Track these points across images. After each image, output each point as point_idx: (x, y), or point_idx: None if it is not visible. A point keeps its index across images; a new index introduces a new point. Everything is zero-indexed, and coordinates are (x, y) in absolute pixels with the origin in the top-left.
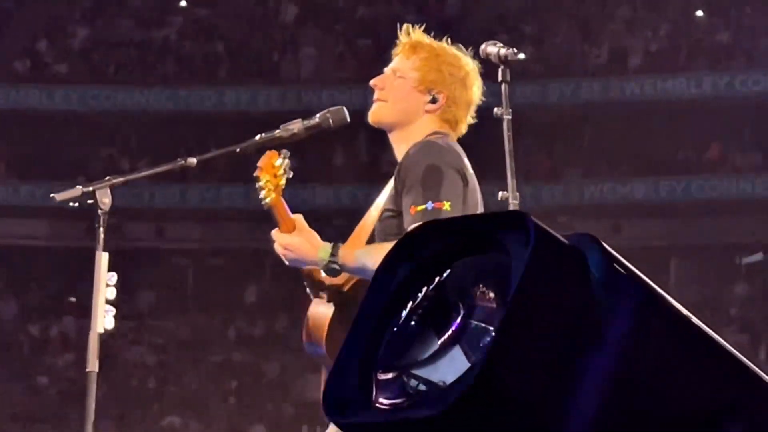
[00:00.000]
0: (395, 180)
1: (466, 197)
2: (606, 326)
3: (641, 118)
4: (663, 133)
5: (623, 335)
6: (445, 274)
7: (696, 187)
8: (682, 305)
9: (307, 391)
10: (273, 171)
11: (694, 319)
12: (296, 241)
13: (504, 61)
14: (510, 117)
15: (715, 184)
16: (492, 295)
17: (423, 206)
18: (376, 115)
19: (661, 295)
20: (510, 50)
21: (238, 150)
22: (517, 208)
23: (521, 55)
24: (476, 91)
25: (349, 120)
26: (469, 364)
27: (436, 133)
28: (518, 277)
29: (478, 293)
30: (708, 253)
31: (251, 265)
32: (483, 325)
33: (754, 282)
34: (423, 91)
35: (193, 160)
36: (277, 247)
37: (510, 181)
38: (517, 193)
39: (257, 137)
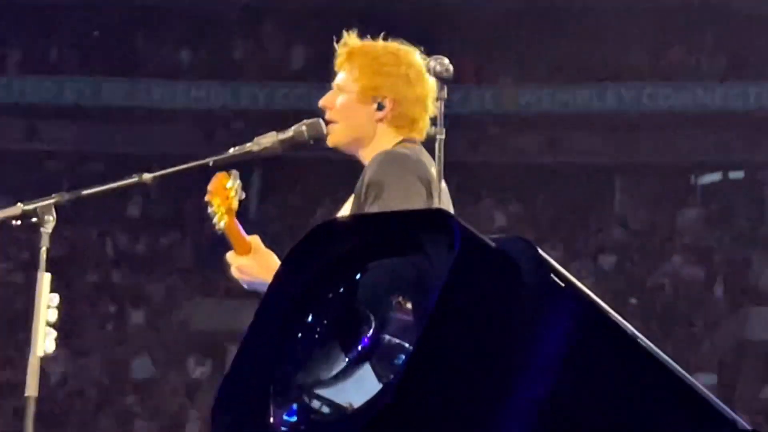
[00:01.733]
0: (357, 192)
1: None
2: (540, 344)
3: (587, 15)
4: (611, 33)
5: (559, 355)
6: (357, 277)
7: (648, 96)
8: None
9: (196, 319)
10: (224, 194)
11: (641, 339)
12: (251, 263)
13: (439, 77)
14: (443, 137)
15: (669, 93)
16: (409, 305)
17: None
18: (332, 139)
19: (604, 310)
20: (444, 67)
21: (210, 164)
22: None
23: (449, 69)
24: (426, 82)
25: (326, 133)
26: (380, 386)
27: (405, 140)
28: (439, 286)
29: (394, 303)
30: (658, 173)
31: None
32: (397, 340)
33: (709, 206)
34: (367, 101)
35: (149, 176)
36: (233, 270)
37: (436, 196)
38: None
39: (231, 150)
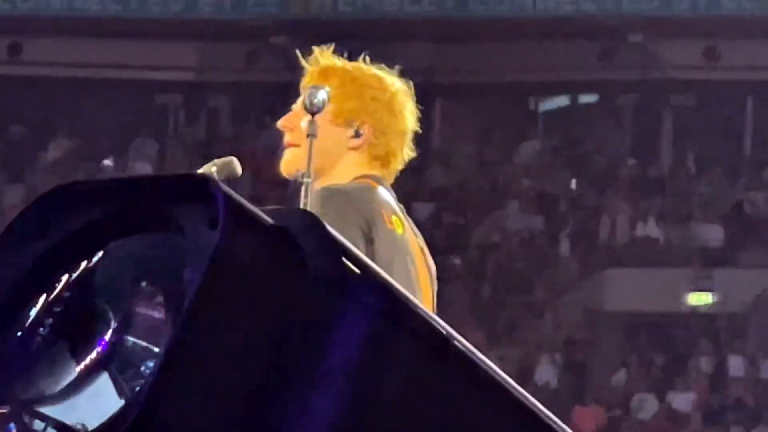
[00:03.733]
0: None
1: (372, 257)
2: (327, 347)
3: None
4: None
5: (350, 362)
6: (94, 260)
7: None
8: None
9: None
10: None
11: (457, 340)
12: None
13: (308, 110)
14: (310, 180)
15: None
16: (159, 298)
17: None
18: (288, 164)
19: (410, 303)
20: (311, 98)
21: None
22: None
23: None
24: (408, 115)
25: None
26: (121, 402)
27: (364, 176)
28: (199, 273)
29: (139, 294)
30: (483, 94)
31: None
32: (144, 343)
33: (553, 136)
34: (342, 125)
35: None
36: None
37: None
38: None
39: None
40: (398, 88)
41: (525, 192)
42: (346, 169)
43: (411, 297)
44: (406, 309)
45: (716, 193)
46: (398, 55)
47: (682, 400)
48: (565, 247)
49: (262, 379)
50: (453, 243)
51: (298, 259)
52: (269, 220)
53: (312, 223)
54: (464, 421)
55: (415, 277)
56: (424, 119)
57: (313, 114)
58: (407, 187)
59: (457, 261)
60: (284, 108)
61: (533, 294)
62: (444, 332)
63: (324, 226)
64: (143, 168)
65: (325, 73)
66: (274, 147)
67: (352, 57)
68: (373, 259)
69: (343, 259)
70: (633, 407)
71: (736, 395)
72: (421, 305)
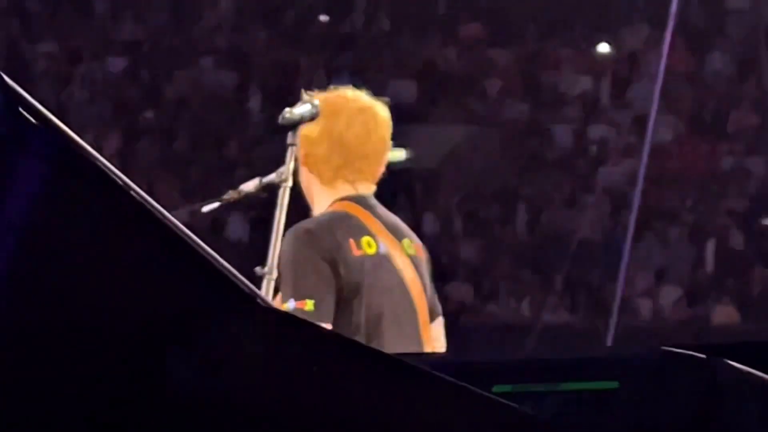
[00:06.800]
0: None
1: (342, 287)
2: (2, 200)
3: None
4: None
5: (26, 214)
6: None
7: None
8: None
9: None
10: None
11: (137, 193)
12: None
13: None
14: (291, 184)
15: None
16: None
17: (286, 305)
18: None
19: (89, 155)
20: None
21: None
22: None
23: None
24: (328, 120)
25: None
26: None
27: (341, 200)
28: None
29: None
30: None
31: None
32: None
33: None
34: (303, 164)
35: None
36: None
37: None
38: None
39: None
40: (321, 100)
41: (218, 47)
42: (320, 202)
43: (87, 147)
44: (83, 160)
45: (409, 49)
46: None
47: None
48: (256, 103)
49: None
50: (146, 98)
51: None
52: None
53: None
54: (150, 279)
55: (396, 281)
56: None
57: (293, 126)
58: (94, 41)
59: (150, 115)
60: None
61: (226, 150)
62: (123, 183)
63: (2, 76)
64: None
65: None
66: None
67: None
68: (344, 286)
69: (21, 109)
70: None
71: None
72: (101, 158)
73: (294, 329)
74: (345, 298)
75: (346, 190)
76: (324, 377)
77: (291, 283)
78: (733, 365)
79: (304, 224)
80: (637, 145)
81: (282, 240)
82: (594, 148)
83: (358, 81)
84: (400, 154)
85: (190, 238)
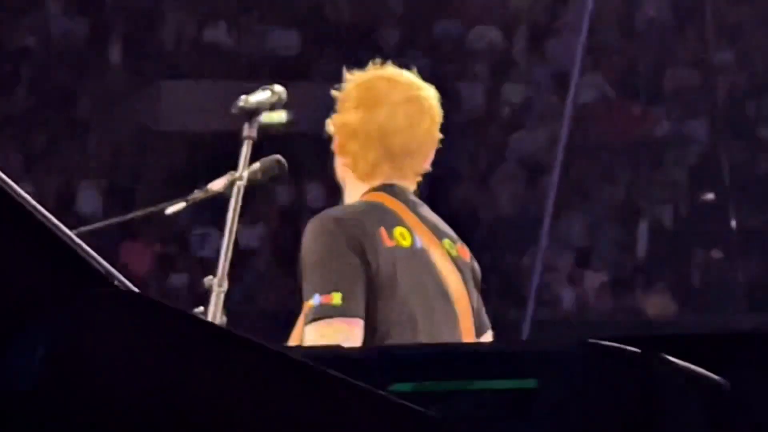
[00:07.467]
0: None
1: (373, 279)
2: None
3: None
4: None
5: None
6: None
7: None
8: None
9: None
10: None
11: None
12: None
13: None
14: (245, 183)
15: None
16: None
17: (311, 301)
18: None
19: None
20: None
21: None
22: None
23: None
24: (368, 111)
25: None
26: None
27: (373, 190)
28: None
29: None
30: None
31: None
32: None
33: None
34: (337, 152)
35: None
36: None
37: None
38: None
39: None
40: (356, 85)
41: None
42: (353, 192)
43: None
44: None
45: None
46: None
47: (248, 235)
48: (115, 54)
49: None
50: None
51: None
52: None
53: None
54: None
55: (434, 281)
56: None
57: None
58: None
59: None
60: None
61: (76, 109)
62: None
63: None
64: None
65: None
66: None
67: None
68: (379, 277)
69: None
70: (193, 242)
71: None
72: None
73: (158, 316)
74: (375, 293)
75: (376, 179)
76: (191, 369)
77: (316, 275)
78: (672, 360)
79: (331, 212)
80: (557, 107)
81: (304, 230)
82: (507, 110)
83: (232, 29)
84: (280, 116)
85: (35, 209)
